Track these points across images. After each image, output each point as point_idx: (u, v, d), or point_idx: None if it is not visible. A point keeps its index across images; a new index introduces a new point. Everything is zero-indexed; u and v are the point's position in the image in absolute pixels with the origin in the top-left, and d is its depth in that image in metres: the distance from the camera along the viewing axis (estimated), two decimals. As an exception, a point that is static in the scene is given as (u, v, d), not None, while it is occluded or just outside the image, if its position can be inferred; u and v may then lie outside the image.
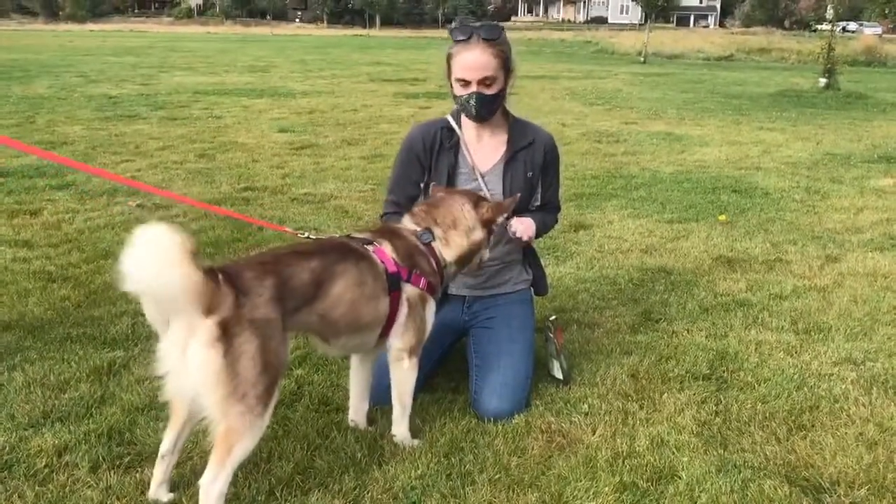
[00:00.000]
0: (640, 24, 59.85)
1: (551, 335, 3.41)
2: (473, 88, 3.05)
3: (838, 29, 20.30)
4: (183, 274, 2.09)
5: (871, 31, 48.29)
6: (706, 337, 3.86)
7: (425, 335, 2.86)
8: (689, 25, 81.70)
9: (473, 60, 3.02)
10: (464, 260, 2.91)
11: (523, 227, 3.15)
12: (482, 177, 3.23)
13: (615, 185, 7.21)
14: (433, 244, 2.84)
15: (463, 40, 3.03)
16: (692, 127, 11.09)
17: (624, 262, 5.00)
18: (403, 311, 2.75)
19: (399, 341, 2.79)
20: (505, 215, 2.98)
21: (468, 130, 3.27)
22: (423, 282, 2.78)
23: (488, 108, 3.12)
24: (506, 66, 3.09)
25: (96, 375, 3.26)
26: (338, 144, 9.14)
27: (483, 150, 3.26)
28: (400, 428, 2.88)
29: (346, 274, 2.58)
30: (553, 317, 3.53)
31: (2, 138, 2.73)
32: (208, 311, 2.19)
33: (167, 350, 2.25)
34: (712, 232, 5.73)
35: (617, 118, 12.04)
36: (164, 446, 2.50)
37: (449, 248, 2.86)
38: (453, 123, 3.26)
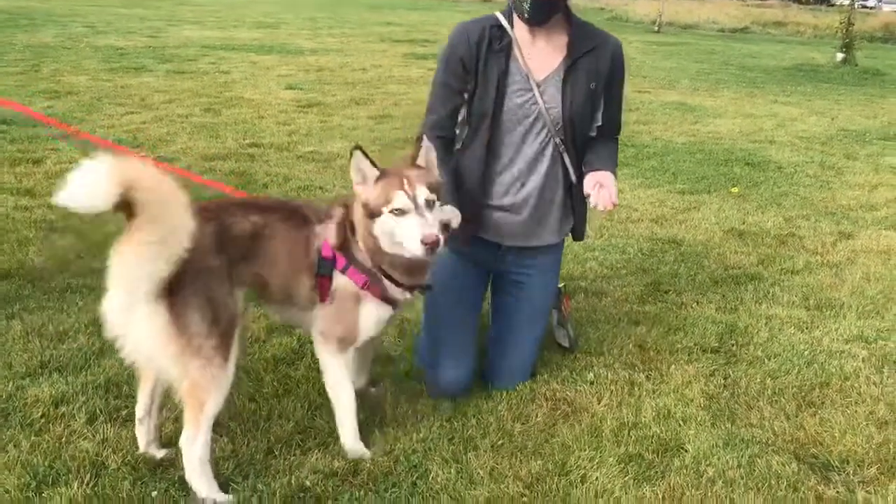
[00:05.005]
0: (655, -7, 58.89)
1: (558, 303, 3.35)
2: None
3: (857, 4, 19.92)
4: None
5: (889, 8, 47.50)
6: (716, 310, 3.80)
7: None
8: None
9: None
10: None
11: (606, 192, 2.70)
12: (537, 86, 2.80)
13: (626, 154, 7.08)
14: None
15: None
16: (706, 98, 10.91)
17: (634, 232, 4.92)
18: None
19: None
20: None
21: (521, 31, 2.81)
22: None
23: (546, 11, 2.73)
24: None
25: (95, 327, 3.18)
26: (345, 104, 9.00)
27: (538, 54, 2.81)
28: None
29: None
30: (561, 284, 3.47)
31: None
32: None
33: (111, 310, 2.16)
34: (724, 204, 5.64)
35: (629, 87, 11.79)
36: (140, 410, 2.47)
37: None
38: (504, 22, 2.81)
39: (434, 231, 2.30)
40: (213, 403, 2.24)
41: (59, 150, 6.06)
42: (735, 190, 6.04)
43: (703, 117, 9.30)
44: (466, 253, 2.96)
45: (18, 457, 2.38)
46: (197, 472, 2.24)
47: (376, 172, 2.37)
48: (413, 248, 2.31)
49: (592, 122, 2.89)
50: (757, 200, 5.80)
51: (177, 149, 6.36)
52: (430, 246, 2.28)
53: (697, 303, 3.86)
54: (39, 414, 2.62)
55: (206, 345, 2.21)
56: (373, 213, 2.37)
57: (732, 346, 3.42)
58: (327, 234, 2.48)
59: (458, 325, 2.98)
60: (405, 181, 2.33)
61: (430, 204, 2.35)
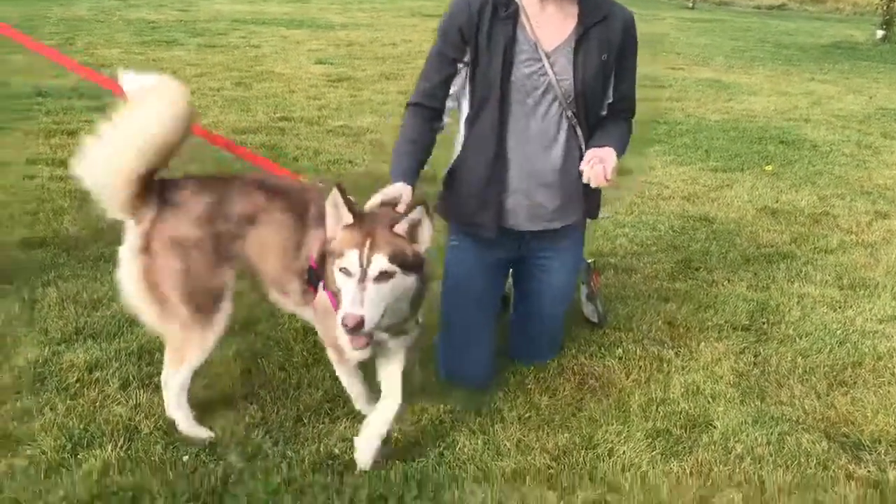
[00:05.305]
0: (689, -31, 57.80)
1: (587, 278, 3.34)
2: None
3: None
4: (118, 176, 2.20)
5: (932, -15, 46.05)
6: (747, 288, 3.76)
7: None
8: (740, -28, 78.78)
9: None
10: None
11: (600, 167, 2.53)
12: (547, 57, 2.63)
13: (658, 131, 7.01)
14: None
15: None
16: (740, 75, 10.73)
17: (665, 209, 4.88)
18: None
19: None
20: None
21: None
22: None
23: None
24: None
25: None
26: (375, 78, 8.98)
27: (547, 23, 2.64)
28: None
29: None
30: (590, 260, 3.45)
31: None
32: (137, 217, 2.26)
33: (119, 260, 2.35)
34: (757, 182, 5.56)
35: (662, 63, 11.69)
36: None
37: None
38: None
39: (358, 314, 2.03)
40: (189, 364, 2.37)
41: (93, 122, 6.12)
42: (769, 168, 5.95)
43: (737, 95, 9.16)
44: (486, 243, 2.80)
45: (55, 419, 2.44)
46: (173, 405, 2.41)
47: (350, 220, 2.14)
48: (338, 318, 2.10)
49: (604, 97, 2.75)
50: (791, 179, 5.71)
51: (208, 122, 6.38)
52: (349, 328, 2.04)
53: (728, 280, 3.82)
54: (74, 379, 2.67)
55: (182, 311, 2.29)
56: (330, 255, 2.18)
57: (763, 324, 3.39)
58: (315, 243, 2.35)
59: (477, 330, 2.85)
60: (367, 243, 2.08)
61: (384, 276, 2.08)
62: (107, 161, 2.20)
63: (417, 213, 2.15)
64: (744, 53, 13.18)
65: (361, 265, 2.07)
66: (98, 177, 2.21)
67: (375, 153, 5.78)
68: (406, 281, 2.14)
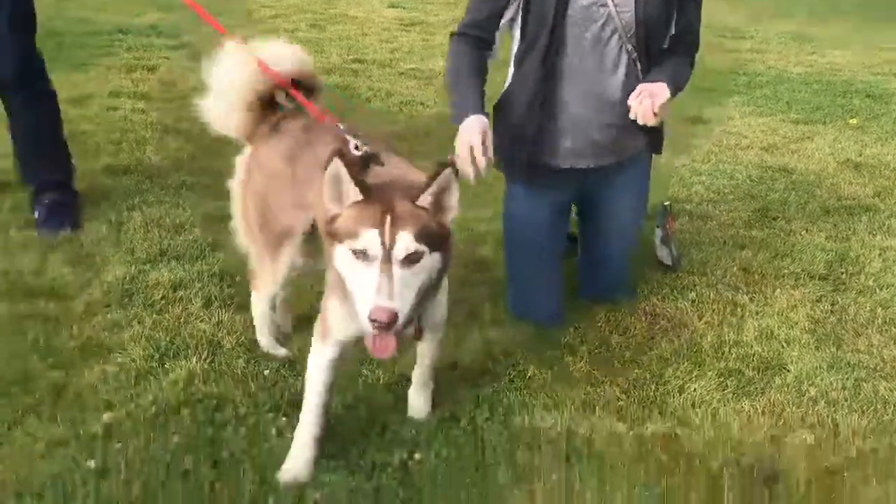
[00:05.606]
0: (775, -81, 55.03)
1: (663, 222, 3.30)
2: None
3: None
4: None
5: None
6: (826, 238, 3.66)
7: None
8: (829, -77, 74.82)
9: None
10: None
11: (648, 102, 2.42)
12: None
13: (738, 82, 6.80)
14: None
15: None
16: (825, 28, 10.29)
17: (743, 159, 4.75)
18: None
19: None
20: None
21: None
22: None
23: None
24: None
25: (209, 222, 3.33)
26: (447, 23, 8.89)
27: None
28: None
29: None
30: (667, 202, 3.41)
31: None
32: (249, 138, 2.35)
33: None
34: (840, 135, 5.36)
35: (743, 13, 11.29)
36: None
37: None
38: None
39: (390, 308, 1.65)
40: (264, 292, 2.43)
41: (171, 59, 6.25)
42: (853, 121, 5.74)
43: (821, 47, 8.80)
44: (542, 185, 2.70)
45: (142, 332, 2.55)
46: (257, 327, 2.52)
47: (358, 195, 1.77)
48: (359, 313, 1.72)
49: (667, 30, 2.58)
50: (877, 132, 5.49)
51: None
52: (380, 325, 1.67)
53: (807, 230, 3.73)
54: (160, 296, 2.79)
55: (259, 238, 2.34)
56: (333, 236, 1.80)
57: (842, 274, 3.30)
58: None
59: (541, 273, 2.79)
60: (387, 220, 1.70)
61: (413, 258, 1.72)
62: (226, 85, 2.35)
63: (445, 176, 1.77)
64: (829, 5, 12.62)
65: (384, 246, 1.70)
66: (220, 94, 2.37)
67: (445, 96, 5.77)
68: (433, 260, 1.77)
